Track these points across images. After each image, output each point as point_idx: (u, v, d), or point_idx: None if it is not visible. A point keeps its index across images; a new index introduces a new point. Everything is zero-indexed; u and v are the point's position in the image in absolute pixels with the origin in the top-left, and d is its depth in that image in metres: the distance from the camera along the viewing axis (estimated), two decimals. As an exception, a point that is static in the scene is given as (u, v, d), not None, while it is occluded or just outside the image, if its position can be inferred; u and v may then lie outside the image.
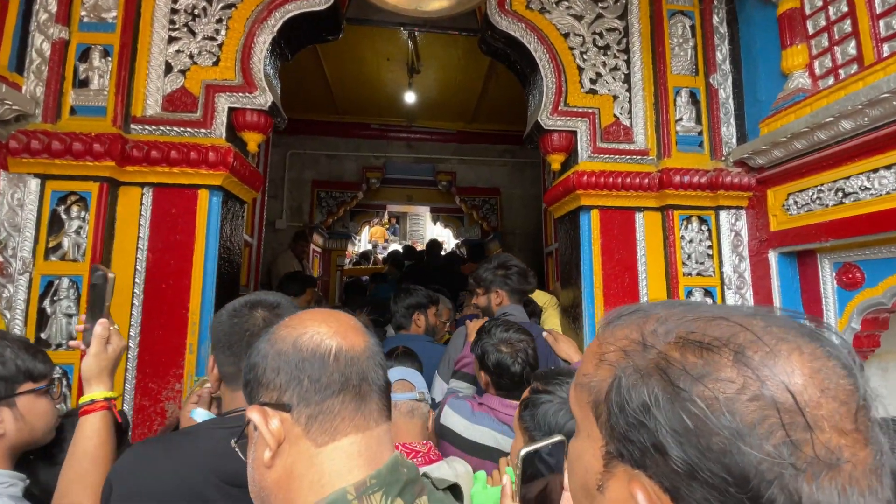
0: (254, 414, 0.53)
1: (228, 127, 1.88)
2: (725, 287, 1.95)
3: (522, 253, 5.35)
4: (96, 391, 0.95)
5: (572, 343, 1.61)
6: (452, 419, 1.30)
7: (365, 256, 7.24)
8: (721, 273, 1.97)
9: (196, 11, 1.91)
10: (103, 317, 0.97)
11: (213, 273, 1.77)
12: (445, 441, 1.29)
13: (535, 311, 2.20)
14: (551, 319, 2.23)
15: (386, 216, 7.71)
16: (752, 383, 0.31)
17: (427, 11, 1.59)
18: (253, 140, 1.95)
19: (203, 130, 1.83)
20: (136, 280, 1.73)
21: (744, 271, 1.96)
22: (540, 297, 2.33)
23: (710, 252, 2.00)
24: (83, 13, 1.83)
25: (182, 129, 1.82)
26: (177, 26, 1.90)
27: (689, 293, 1.96)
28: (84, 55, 1.81)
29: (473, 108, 4.85)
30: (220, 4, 1.92)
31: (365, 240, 10.04)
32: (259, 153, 3.25)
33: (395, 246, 9.41)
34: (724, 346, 0.33)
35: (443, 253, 5.32)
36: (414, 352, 1.56)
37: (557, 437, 0.60)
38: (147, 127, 1.81)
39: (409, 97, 4.38)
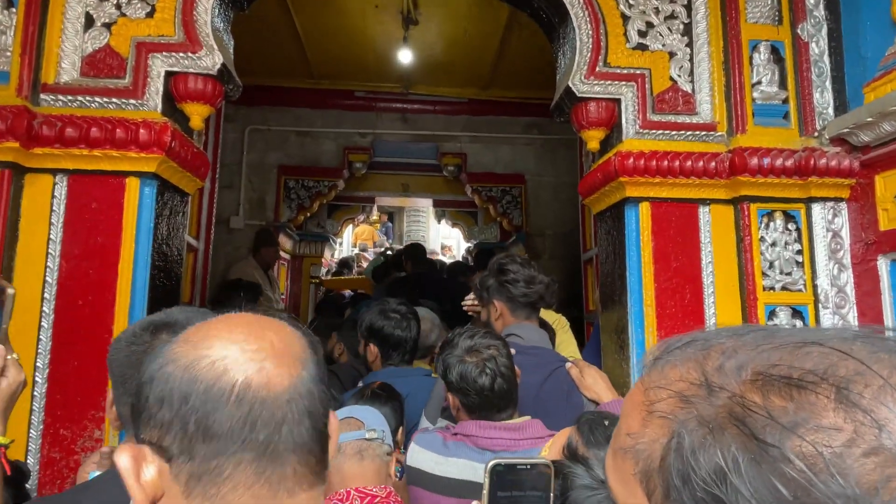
0: (121, 456, 0.51)
1: (166, 97, 1.92)
2: (820, 305, 1.93)
3: (554, 261, 5.36)
4: None
5: (602, 377, 1.59)
6: (420, 457, 1.34)
7: (345, 264, 7.29)
8: (814, 287, 1.95)
9: (125, -52, 1.96)
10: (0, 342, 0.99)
11: (144, 286, 1.80)
12: (417, 487, 1.33)
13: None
14: (567, 345, 2.20)
15: (375, 212, 7.76)
16: (866, 431, 0.29)
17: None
18: (197, 114, 1.98)
19: (133, 101, 1.87)
20: (46, 295, 1.77)
21: (845, 284, 1.94)
22: (546, 316, 2.24)
23: (800, 259, 1.99)
24: (-18, -48, 1.89)
25: (106, 99, 1.86)
26: (101, -33, 1.95)
27: (772, 313, 1.94)
28: (-18, 6, 1.87)
29: (489, 69, 4.88)
30: (157, -61, 1.97)
31: (348, 243, 10.13)
32: (208, 131, 3.30)
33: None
34: (822, 381, 0.31)
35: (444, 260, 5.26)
36: (393, 390, 1.57)
37: (542, 460, 0.60)
38: (61, 97, 1.86)
39: (405, 56, 4.42)
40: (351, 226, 7.74)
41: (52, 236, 1.80)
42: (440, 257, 9.23)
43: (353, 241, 10.72)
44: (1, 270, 1.74)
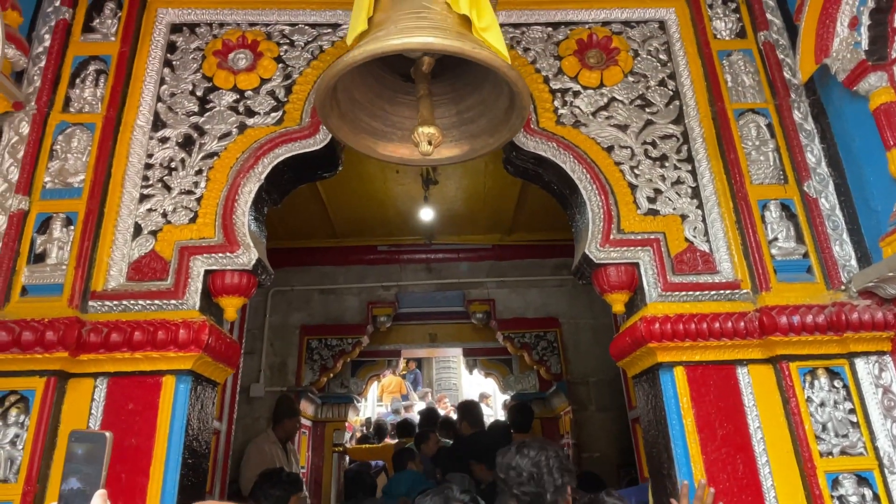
0: None
1: (203, 293, 2.22)
2: (886, 471, 1.94)
3: (603, 412, 5.31)
4: None
5: None
6: None
7: (380, 430, 7.21)
8: (875, 450, 1.98)
9: (173, 164, 2.40)
10: (100, 487, 1.05)
11: (173, 489, 1.94)
12: None
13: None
14: None
15: (402, 365, 7.89)
16: None
17: (436, 160, 1.98)
18: (232, 306, 2.27)
19: (173, 302, 2.17)
20: None
21: (910, 445, 1.97)
22: None
23: (854, 419, 2.03)
24: (47, 179, 2.33)
25: (148, 301, 2.17)
26: (150, 182, 2.38)
27: (835, 483, 1.95)
28: (44, 226, 2.26)
29: (511, 216, 5.31)
30: (201, 154, 2.42)
31: (373, 401, 10.11)
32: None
33: (420, 404, 9.40)
34: None
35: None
36: None
37: None
38: (107, 303, 2.17)
39: (426, 214, 4.89)
40: (376, 382, 7.84)
41: (88, 440, 1.99)
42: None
43: (378, 395, 10.71)
44: (37, 477, 1.93)
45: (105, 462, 1.07)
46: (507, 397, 6.59)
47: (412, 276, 5.87)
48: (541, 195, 4.80)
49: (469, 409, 4.97)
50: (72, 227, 2.25)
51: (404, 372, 11.46)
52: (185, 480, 2.02)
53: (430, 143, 1.71)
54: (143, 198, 2.35)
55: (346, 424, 6.45)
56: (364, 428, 7.68)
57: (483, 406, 9.70)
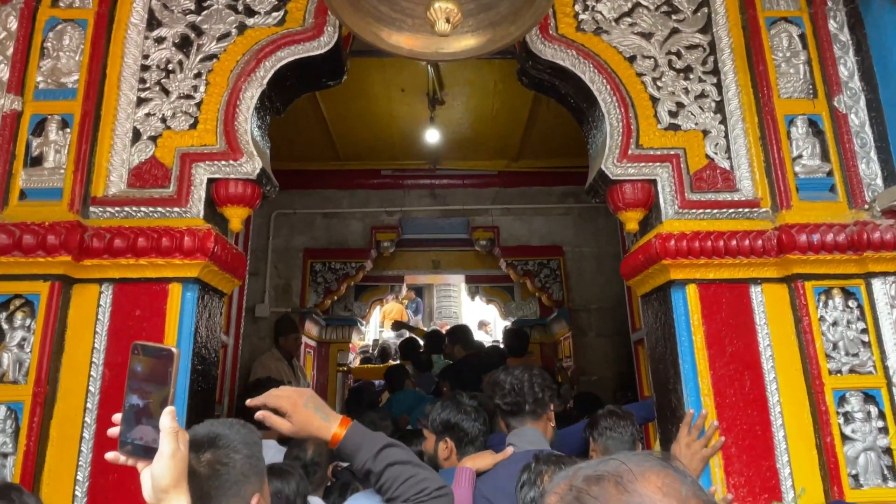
0: None
1: (207, 202, 2.16)
2: (894, 388, 1.94)
3: (602, 338, 5.37)
4: None
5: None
6: None
7: (383, 353, 7.34)
8: (885, 368, 1.97)
9: (171, 66, 2.28)
10: (169, 404, 1.04)
11: (184, 392, 1.94)
12: None
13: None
14: None
15: (404, 290, 7.94)
16: (624, 495, 0.68)
17: (450, 53, 1.84)
18: (237, 216, 2.21)
19: (177, 209, 2.11)
20: (88, 405, 1.93)
21: (920, 364, 1.96)
22: None
23: (866, 338, 2.02)
24: (39, 79, 2.22)
25: (151, 208, 2.10)
26: (147, 85, 2.26)
27: (842, 399, 1.96)
28: (38, 128, 2.17)
29: (519, 141, 5.17)
30: (200, 56, 2.29)
31: (376, 324, 10.27)
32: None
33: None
34: (611, 475, 0.70)
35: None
36: None
37: None
38: (109, 209, 2.11)
39: (432, 136, 4.75)
40: (379, 306, 7.92)
41: (96, 345, 1.98)
42: (481, 335, 9.24)
43: (380, 321, 10.87)
44: (47, 382, 1.93)
45: (173, 380, 1.05)
46: (506, 324, 6.66)
47: (416, 202, 5.79)
48: (550, 119, 4.70)
49: (460, 334, 5.12)
50: (68, 130, 2.17)
51: (405, 300, 11.59)
52: (196, 385, 2.03)
53: (448, 22, 1.53)
54: (141, 101, 2.24)
55: (350, 346, 6.56)
56: (369, 350, 7.82)
57: (482, 333, 9.89)
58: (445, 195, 5.78)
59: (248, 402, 1.39)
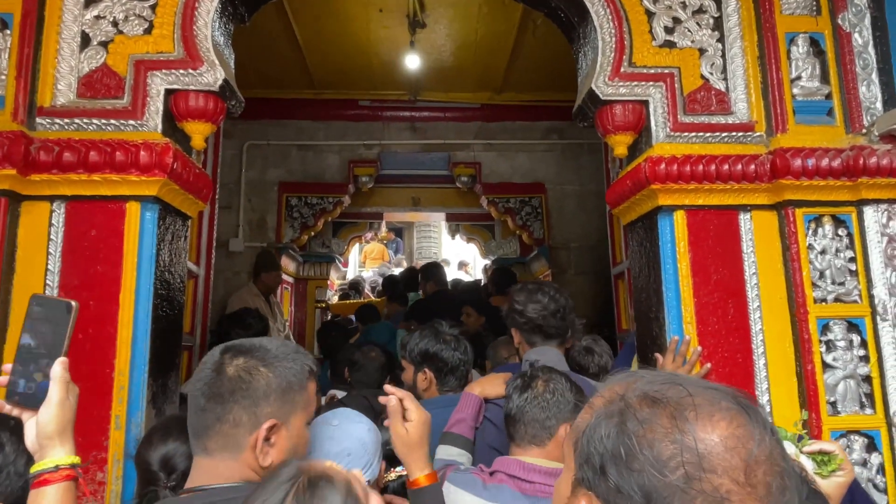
0: None
1: (166, 116, 1.99)
2: (878, 318, 1.92)
3: (581, 276, 5.36)
4: (59, 455, 1.04)
5: None
6: (458, 498, 1.40)
7: (354, 286, 7.34)
8: (870, 297, 1.95)
9: (122, -37, 2.05)
10: (62, 356, 1.09)
11: (146, 317, 1.85)
12: None
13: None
14: None
15: (384, 228, 7.83)
16: (675, 432, 0.57)
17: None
18: (199, 133, 2.05)
19: (132, 122, 1.94)
20: (44, 329, 1.82)
21: (905, 293, 1.94)
22: None
23: (854, 267, 1.99)
24: (-26, -27, 1.99)
25: (104, 121, 1.93)
26: (96, -16, 2.04)
27: (825, 328, 1.94)
28: (-25, 29, 1.96)
29: (503, 72, 4.96)
30: (154, -48, 2.06)
31: (355, 262, 10.21)
32: (206, 147, 3.38)
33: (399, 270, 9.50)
34: (670, 403, 0.60)
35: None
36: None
37: None
38: (58, 121, 1.93)
39: (412, 61, 4.51)
40: (358, 244, 7.82)
41: (49, 266, 1.86)
42: (460, 275, 9.25)
43: (361, 260, 10.81)
44: (-3, 304, 1.81)
45: (68, 331, 1.11)
46: (486, 262, 6.62)
47: (396, 136, 5.58)
48: (536, 50, 4.50)
49: (433, 271, 5.17)
50: (8, 32, 1.96)
51: (385, 240, 11.50)
52: (159, 311, 1.93)
53: None
54: (90, 2, 2.03)
55: (329, 283, 6.49)
56: (346, 287, 7.77)
57: (462, 273, 9.90)
58: (426, 128, 5.58)
59: (388, 387, 1.47)
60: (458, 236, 6.92)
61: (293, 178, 5.38)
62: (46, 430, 1.04)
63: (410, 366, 2.13)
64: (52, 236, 1.88)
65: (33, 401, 1.07)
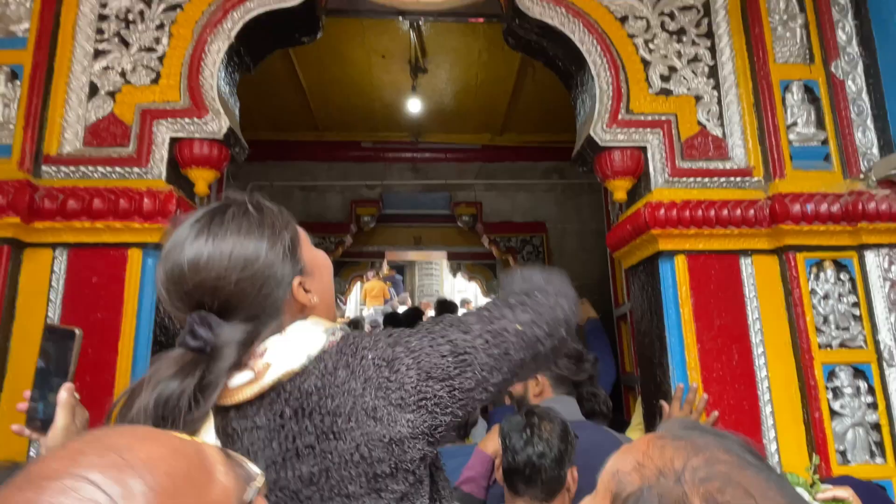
0: None
1: (170, 163, 2.01)
2: (885, 363, 1.89)
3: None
4: None
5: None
6: None
7: (355, 325, 7.30)
8: (876, 343, 1.92)
9: (130, 17, 2.11)
10: (68, 380, 1.11)
11: (145, 365, 1.82)
12: None
13: (600, 411, 2.18)
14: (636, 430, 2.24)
15: (385, 267, 7.83)
16: None
17: (433, 2, 1.72)
18: (203, 179, 2.07)
19: (137, 169, 1.96)
20: (41, 377, 1.80)
21: (910, 339, 1.92)
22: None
23: (857, 312, 1.97)
24: (-13, 27, 2.05)
25: (109, 168, 1.96)
26: (105, 36, 2.10)
27: (831, 374, 1.91)
28: (-14, 80, 2.00)
29: (503, 114, 5.03)
30: (162, 6, 2.12)
31: (356, 301, 10.17)
32: (210, 189, 3.41)
33: (402, 308, 9.45)
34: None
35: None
36: None
37: None
38: (63, 168, 1.96)
39: (414, 105, 4.59)
40: (360, 283, 7.81)
41: (49, 313, 1.85)
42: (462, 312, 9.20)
43: (362, 299, 10.77)
44: (-4, 352, 1.80)
45: (73, 357, 1.14)
46: (488, 300, 6.59)
47: (397, 176, 5.64)
48: (535, 92, 4.58)
49: (447, 306, 5.42)
50: (18, 83, 2.00)
51: (387, 276, 11.48)
52: (157, 358, 1.91)
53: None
54: (98, 53, 2.08)
55: (329, 323, 6.44)
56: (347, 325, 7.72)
57: (464, 311, 9.85)
58: (427, 169, 5.64)
59: None
60: (459, 275, 6.91)
61: (296, 219, 5.39)
62: None
63: None
64: (53, 283, 1.88)
65: (49, 425, 1.09)
